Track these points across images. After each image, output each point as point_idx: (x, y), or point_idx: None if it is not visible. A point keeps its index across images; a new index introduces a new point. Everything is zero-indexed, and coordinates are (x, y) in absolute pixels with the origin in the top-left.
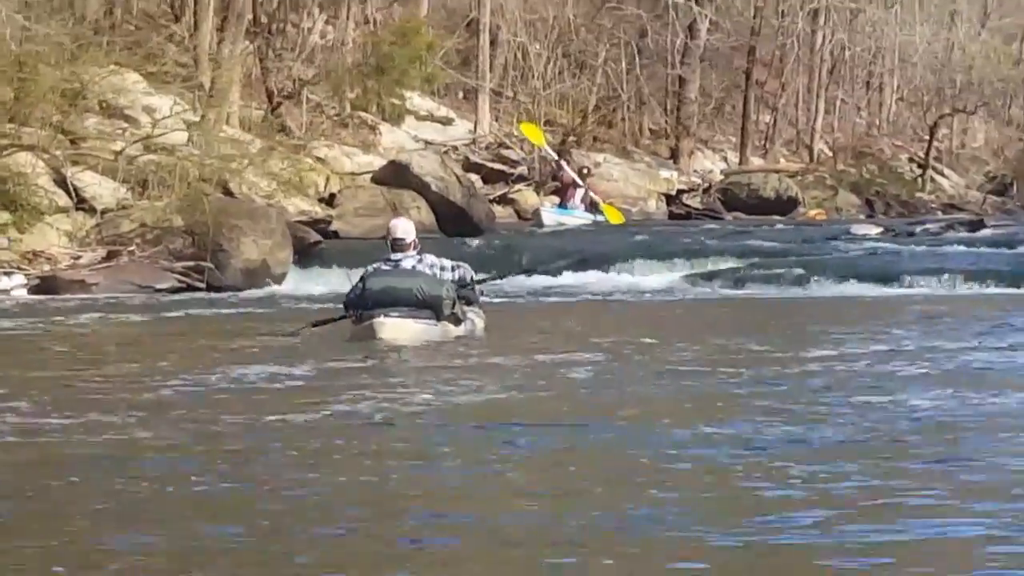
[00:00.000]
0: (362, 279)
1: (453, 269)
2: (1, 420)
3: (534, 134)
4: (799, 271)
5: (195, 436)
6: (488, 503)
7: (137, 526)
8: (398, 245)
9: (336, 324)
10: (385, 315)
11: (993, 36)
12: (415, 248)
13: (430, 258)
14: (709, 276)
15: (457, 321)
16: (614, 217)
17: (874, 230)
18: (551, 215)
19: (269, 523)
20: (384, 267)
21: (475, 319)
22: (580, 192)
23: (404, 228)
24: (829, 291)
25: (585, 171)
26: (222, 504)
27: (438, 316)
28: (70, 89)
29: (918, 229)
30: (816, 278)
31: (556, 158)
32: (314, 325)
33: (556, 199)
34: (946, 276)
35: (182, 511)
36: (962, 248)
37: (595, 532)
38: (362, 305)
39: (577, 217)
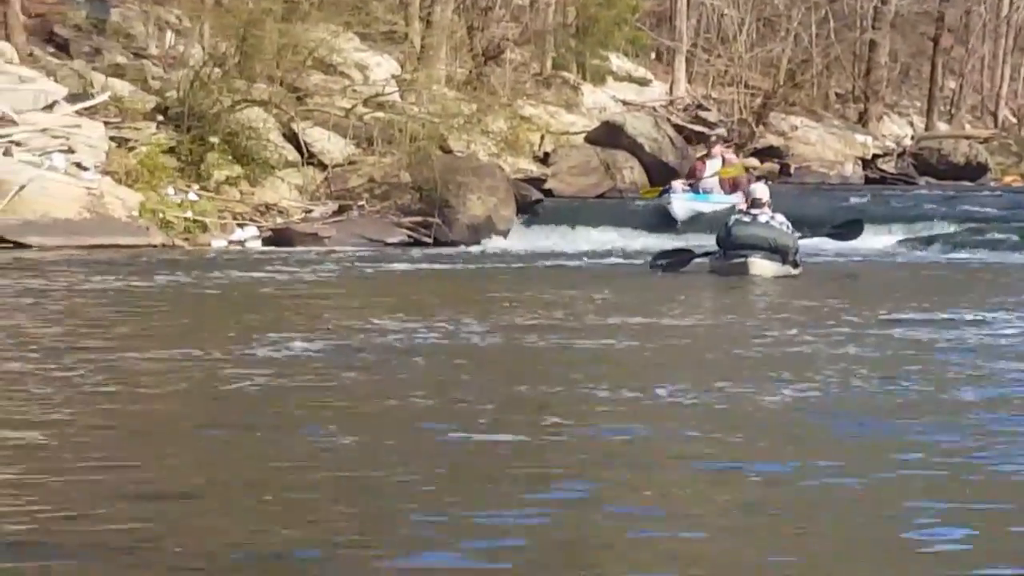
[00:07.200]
0: (727, 226)
1: (790, 227)
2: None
3: None
4: (1016, 237)
5: None
6: None
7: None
8: (757, 203)
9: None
10: (752, 255)
11: None
12: (768, 206)
13: (780, 216)
14: (927, 240)
15: (795, 264)
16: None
17: None
18: (683, 203)
19: None
20: (744, 219)
21: (802, 264)
22: (712, 164)
23: (762, 191)
24: None
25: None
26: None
27: (784, 259)
28: (296, 47)
29: None
30: None
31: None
32: (665, 264)
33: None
34: None
35: None
36: None
37: None
38: (727, 247)
39: (713, 203)
